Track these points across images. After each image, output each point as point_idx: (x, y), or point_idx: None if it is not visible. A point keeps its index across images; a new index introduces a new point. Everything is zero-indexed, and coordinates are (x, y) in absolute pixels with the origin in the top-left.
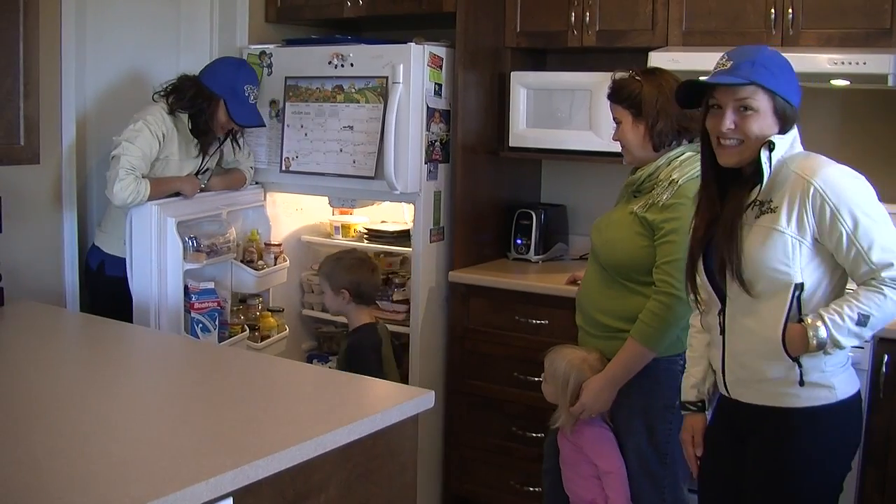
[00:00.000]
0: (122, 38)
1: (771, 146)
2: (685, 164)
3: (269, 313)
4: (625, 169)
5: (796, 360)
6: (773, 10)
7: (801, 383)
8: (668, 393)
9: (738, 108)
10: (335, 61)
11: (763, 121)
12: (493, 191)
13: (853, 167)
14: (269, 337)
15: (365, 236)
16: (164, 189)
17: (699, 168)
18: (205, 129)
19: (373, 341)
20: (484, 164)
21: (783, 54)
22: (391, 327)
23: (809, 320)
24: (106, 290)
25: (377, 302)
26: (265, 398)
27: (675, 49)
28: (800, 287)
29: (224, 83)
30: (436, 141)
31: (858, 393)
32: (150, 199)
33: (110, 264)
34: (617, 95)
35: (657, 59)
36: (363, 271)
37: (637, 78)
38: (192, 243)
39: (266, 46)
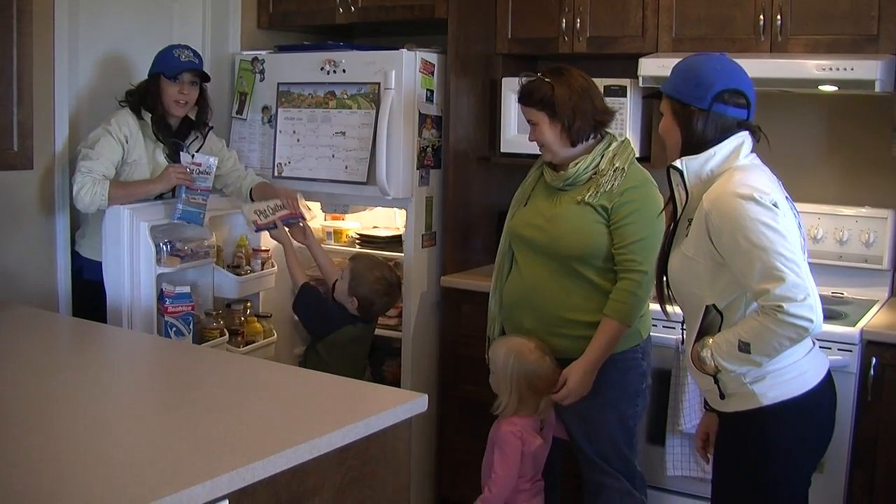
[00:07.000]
0: (115, 45)
1: (668, 171)
2: (620, 152)
3: (256, 318)
4: None
5: (715, 375)
6: (761, 17)
7: (722, 396)
8: (633, 380)
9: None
10: (327, 67)
11: (665, 121)
12: (485, 196)
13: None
14: (253, 342)
15: (357, 241)
16: (135, 192)
17: (632, 152)
18: (152, 106)
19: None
20: (475, 169)
21: (735, 60)
22: (384, 332)
23: (700, 344)
24: (84, 294)
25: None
26: (260, 401)
27: (664, 55)
28: (712, 308)
29: (158, 60)
30: (427, 147)
31: (795, 399)
32: (121, 201)
33: (88, 269)
34: (529, 99)
35: (647, 66)
36: (381, 294)
37: (547, 80)
38: (167, 247)
39: (258, 53)
